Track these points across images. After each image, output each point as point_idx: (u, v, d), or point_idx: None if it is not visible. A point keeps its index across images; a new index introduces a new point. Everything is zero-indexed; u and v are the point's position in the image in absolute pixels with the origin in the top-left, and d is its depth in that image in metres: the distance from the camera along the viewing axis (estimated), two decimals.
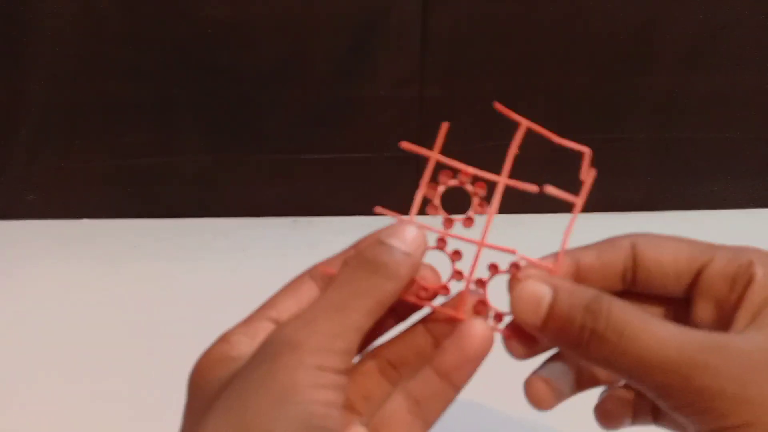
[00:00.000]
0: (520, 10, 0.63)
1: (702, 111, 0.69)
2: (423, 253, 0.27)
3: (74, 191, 0.72)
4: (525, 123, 0.30)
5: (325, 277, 0.29)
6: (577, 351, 0.25)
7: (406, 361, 0.28)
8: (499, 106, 0.30)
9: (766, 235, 0.71)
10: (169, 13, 0.62)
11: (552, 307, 0.26)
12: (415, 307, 0.29)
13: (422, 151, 0.30)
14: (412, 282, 0.27)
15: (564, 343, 0.26)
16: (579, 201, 0.29)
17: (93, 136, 0.68)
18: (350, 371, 0.24)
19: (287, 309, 0.28)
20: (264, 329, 0.27)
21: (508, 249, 0.29)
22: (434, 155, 0.30)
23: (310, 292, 0.29)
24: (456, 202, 0.31)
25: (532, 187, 0.28)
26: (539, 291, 0.26)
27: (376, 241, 0.26)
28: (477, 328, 0.26)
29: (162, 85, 0.66)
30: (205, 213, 0.74)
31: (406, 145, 0.29)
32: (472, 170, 0.32)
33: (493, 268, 0.29)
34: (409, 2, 0.62)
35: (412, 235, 0.26)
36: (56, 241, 0.70)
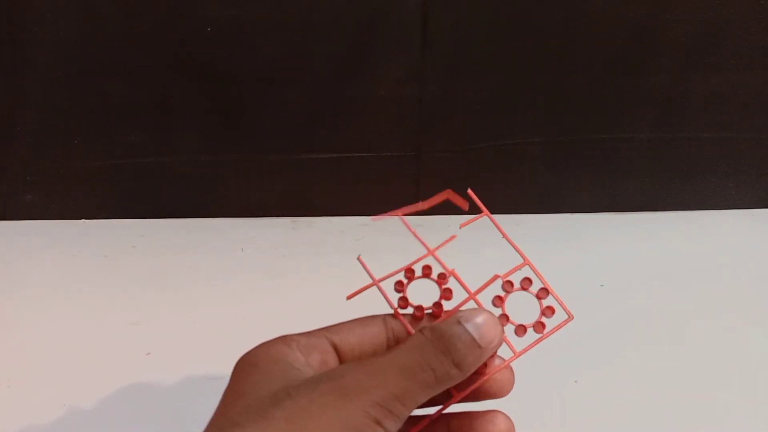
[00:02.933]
0: (520, 10, 0.63)
1: (702, 111, 0.69)
2: (493, 349, 0.27)
3: (74, 191, 0.72)
4: (485, 212, 0.31)
5: (395, 326, 0.30)
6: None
7: None
8: (470, 193, 0.32)
9: (766, 235, 0.71)
10: (169, 13, 0.62)
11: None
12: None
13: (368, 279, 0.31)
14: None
15: None
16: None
17: (92, 136, 0.68)
18: None
19: (348, 341, 0.29)
20: (321, 348, 0.28)
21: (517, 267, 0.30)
22: (376, 281, 0.31)
23: (376, 335, 0.30)
24: None
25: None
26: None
27: (455, 321, 0.27)
28: (497, 424, 0.28)
29: (162, 85, 0.66)
30: (205, 213, 0.74)
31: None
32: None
33: (508, 285, 0.31)
34: (409, 2, 0.62)
35: (493, 334, 0.27)
36: (55, 241, 0.70)
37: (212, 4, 0.62)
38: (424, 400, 0.25)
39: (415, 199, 0.80)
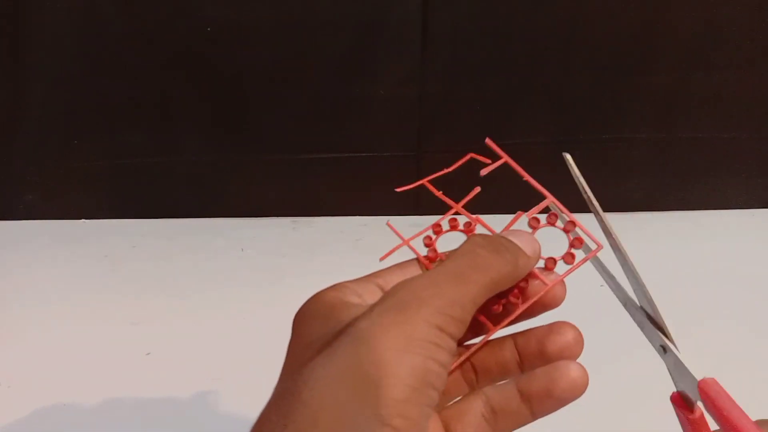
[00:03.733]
0: (521, 10, 0.63)
1: (702, 111, 0.69)
2: (537, 259, 0.28)
3: (73, 191, 0.72)
4: (505, 158, 0.30)
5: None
6: None
7: (488, 369, 0.28)
8: (489, 142, 0.32)
9: (766, 235, 0.71)
10: (169, 14, 0.62)
11: None
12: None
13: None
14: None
15: None
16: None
17: (92, 136, 0.68)
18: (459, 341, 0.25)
19: (393, 281, 0.28)
20: (371, 291, 0.28)
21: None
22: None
23: (416, 272, 0.30)
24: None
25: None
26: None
27: (498, 235, 0.28)
28: (573, 369, 0.27)
29: (162, 85, 0.66)
30: (205, 213, 0.74)
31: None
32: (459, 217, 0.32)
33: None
34: (409, 2, 0.62)
35: (533, 244, 0.28)
36: (56, 241, 0.70)
37: (212, 4, 0.62)
38: (482, 300, 0.25)
39: (415, 199, 0.80)
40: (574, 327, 0.28)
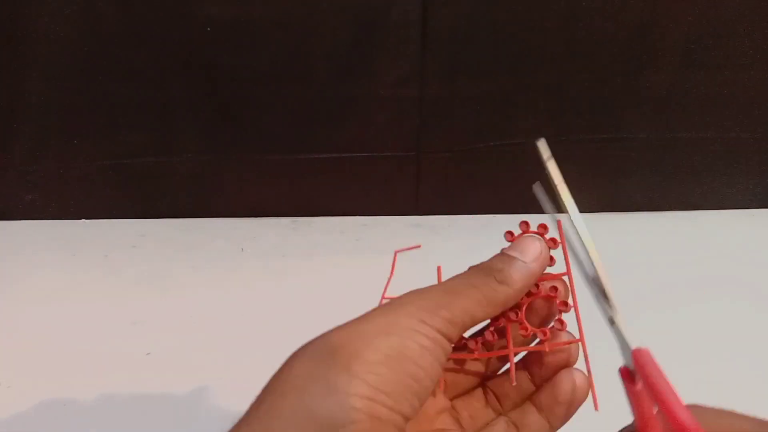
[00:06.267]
0: (520, 10, 0.63)
1: (702, 111, 0.69)
2: (542, 265, 0.29)
3: (73, 191, 0.72)
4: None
5: None
6: None
7: (508, 395, 0.31)
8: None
9: (766, 235, 0.71)
10: (168, 13, 0.62)
11: None
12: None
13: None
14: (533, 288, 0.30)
15: None
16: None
17: (92, 136, 0.68)
18: (454, 342, 0.26)
19: None
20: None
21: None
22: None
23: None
24: None
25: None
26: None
27: (498, 253, 0.29)
28: (571, 377, 0.29)
29: (161, 85, 0.66)
30: (205, 213, 0.74)
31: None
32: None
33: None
34: (409, 2, 0.62)
35: (533, 247, 0.29)
36: (56, 241, 0.70)
37: (212, 4, 0.62)
38: (481, 314, 0.27)
39: (415, 199, 0.80)
40: (581, 373, 0.30)
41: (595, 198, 0.72)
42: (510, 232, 0.31)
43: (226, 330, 0.56)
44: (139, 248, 0.69)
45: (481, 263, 0.29)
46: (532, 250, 0.29)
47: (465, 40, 0.64)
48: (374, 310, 0.26)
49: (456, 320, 0.26)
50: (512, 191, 0.70)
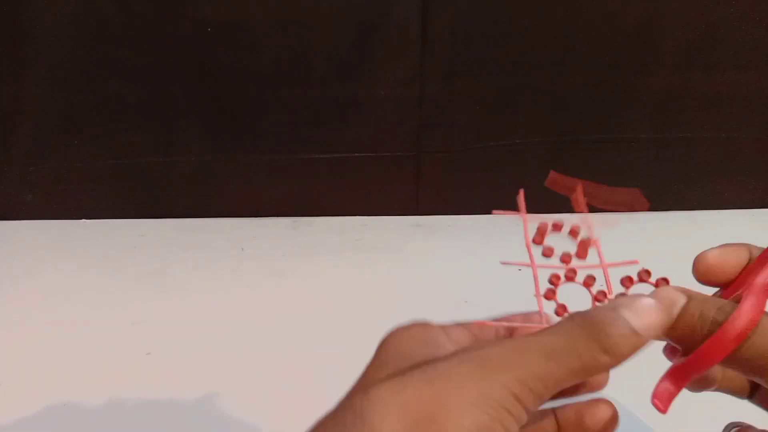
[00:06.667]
0: (520, 10, 0.63)
1: (702, 111, 0.69)
2: (654, 335, 0.25)
3: (73, 191, 0.72)
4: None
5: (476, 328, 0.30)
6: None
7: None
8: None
9: (766, 235, 0.71)
10: (169, 13, 0.62)
11: (685, 309, 0.26)
12: None
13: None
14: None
15: (689, 341, 0.26)
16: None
17: (93, 136, 0.68)
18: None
19: (490, 335, 0.29)
20: (463, 337, 0.28)
21: (631, 261, 0.29)
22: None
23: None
24: None
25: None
26: (674, 295, 0.26)
27: (610, 307, 0.25)
28: (602, 410, 0.27)
29: (162, 85, 0.66)
30: (205, 213, 0.74)
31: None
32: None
33: (628, 281, 0.30)
34: (409, 2, 0.62)
35: (649, 314, 0.25)
36: (55, 241, 0.70)
37: (212, 4, 0.62)
38: (569, 384, 0.24)
39: (415, 199, 0.80)
40: (610, 405, 0.28)
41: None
42: (647, 272, 0.28)
43: (226, 330, 0.56)
44: (139, 248, 0.69)
45: (587, 314, 0.25)
46: (649, 321, 0.25)
47: (465, 40, 0.64)
48: (462, 362, 0.23)
49: (545, 396, 0.23)
50: (512, 191, 0.70)
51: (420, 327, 0.28)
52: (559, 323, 0.25)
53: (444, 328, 0.28)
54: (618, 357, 0.24)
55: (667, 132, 0.70)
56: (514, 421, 0.23)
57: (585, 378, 0.25)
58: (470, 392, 0.22)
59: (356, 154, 0.70)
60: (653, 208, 0.74)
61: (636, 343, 0.24)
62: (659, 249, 0.68)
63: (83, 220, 0.73)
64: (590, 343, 0.24)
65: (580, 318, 0.25)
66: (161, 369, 0.52)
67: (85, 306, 0.60)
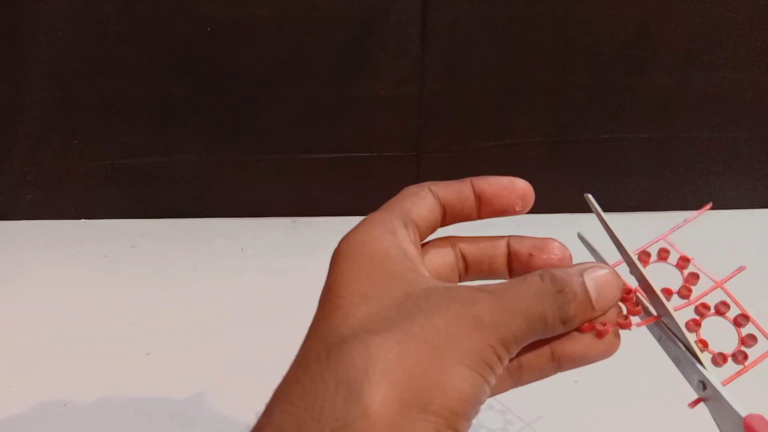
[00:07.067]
0: (520, 10, 0.63)
1: (702, 111, 0.69)
2: (607, 310, 0.27)
3: (73, 191, 0.72)
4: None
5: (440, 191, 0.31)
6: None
7: (479, 261, 0.31)
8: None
9: (766, 235, 0.71)
10: (168, 13, 0.62)
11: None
12: None
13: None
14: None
15: None
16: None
17: (92, 136, 0.68)
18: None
19: (421, 216, 0.30)
20: (398, 227, 0.29)
21: (739, 270, 0.30)
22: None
23: (434, 206, 0.31)
24: None
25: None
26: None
27: (578, 271, 0.26)
28: (553, 249, 0.29)
29: (161, 85, 0.66)
30: (205, 213, 0.74)
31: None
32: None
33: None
34: (409, 2, 0.62)
35: (611, 287, 0.27)
36: (55, 241, 0.70)
37: (212, 4, 0.62)
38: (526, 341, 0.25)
39: None
40: (562, 246, 0.30)
41: (595, 198, 0.72)
42: (703, 307, 0.28)
43: (226, 330, 0.56)
44: (139, 248, 0.69)
45: (558, 284, 0.25)
46: (609, 297, 0.26)
47: (465, 40, 0.64)
48: (457, 320, 0.23)
49: (515, 353, 0.25)
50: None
51: (378, 237, 0.27)
52: (532, 282, 0.25)
53: (408, 234, 0.28)
54: (570, 327, 0.26)
55: (666, 132, 0.70)
56: (494, 378, 0.23)
57: (540, 335, 0.25)
58: (467, 355, 0.23)
59: (356, 154, 0.70)
60: (653, 208, 0.75)
61: (589, 317, 0.26)
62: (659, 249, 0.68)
63: (83, 220, 0.73)
64: (555, 313, 0.25)
65: (550, 282, 0.25)
66: (161, 369, 0.52)
67: (85, 306, 0.60)
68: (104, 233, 0.71)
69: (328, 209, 0.73)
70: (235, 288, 0.62)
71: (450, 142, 0.70)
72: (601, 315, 0.26)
